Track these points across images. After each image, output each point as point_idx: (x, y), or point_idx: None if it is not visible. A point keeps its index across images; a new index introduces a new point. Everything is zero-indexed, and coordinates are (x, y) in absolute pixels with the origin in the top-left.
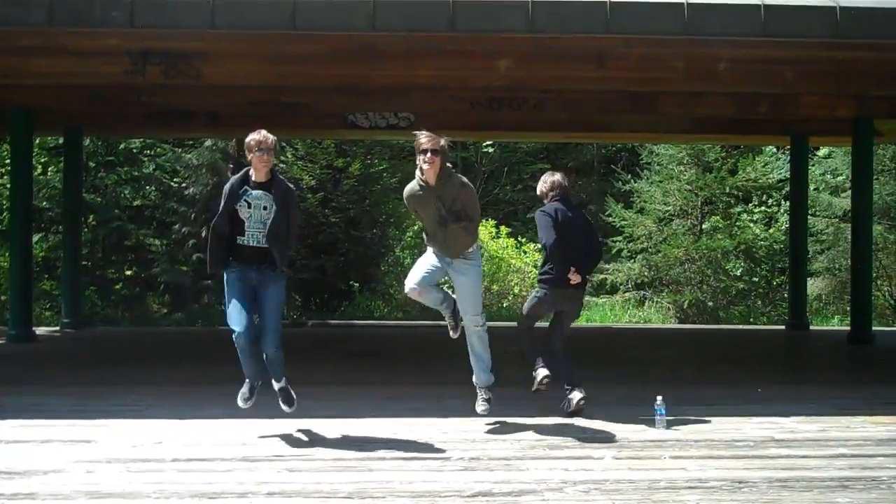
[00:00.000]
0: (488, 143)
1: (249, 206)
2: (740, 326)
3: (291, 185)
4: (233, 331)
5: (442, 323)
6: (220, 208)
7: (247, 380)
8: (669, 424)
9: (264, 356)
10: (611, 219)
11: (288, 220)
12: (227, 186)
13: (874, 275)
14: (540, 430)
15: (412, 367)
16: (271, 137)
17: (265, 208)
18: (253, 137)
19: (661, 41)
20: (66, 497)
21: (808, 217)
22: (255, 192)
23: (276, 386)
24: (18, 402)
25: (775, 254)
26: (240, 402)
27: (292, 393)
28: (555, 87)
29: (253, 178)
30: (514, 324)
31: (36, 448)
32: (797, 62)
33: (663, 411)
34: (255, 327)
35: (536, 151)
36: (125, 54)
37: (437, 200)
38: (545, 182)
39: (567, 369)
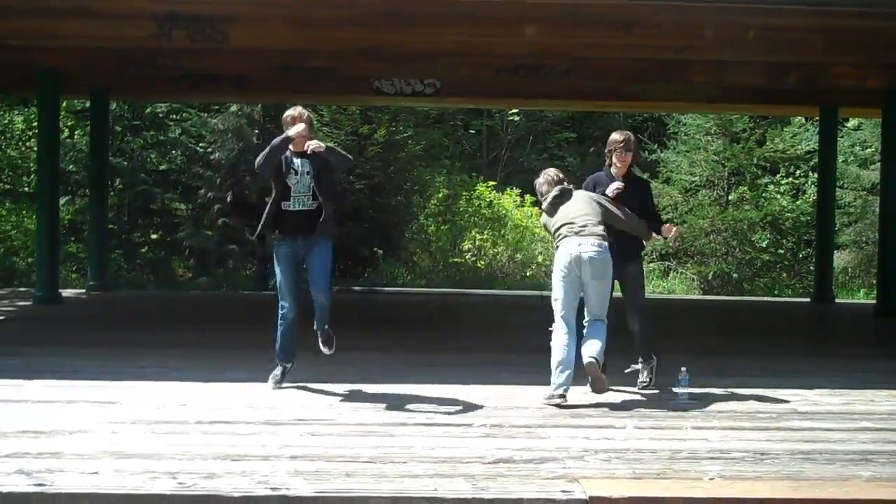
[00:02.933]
0: (514, 110)
1: (296, 174)
2: (765, 298)
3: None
4: (283, 306)
5: (464, 291)
6: (268, 171)
7: (279, 363)
8: (692, 396)
9: (316, 303)
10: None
11: (331, 183)
12: (273, 149)
13: None
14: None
15: (434, 335)
16: (306, 112)
17: (308, 173)
18: (289, 114)
19: (691, 8)
20: (90, 457)
21: (836, 189)
22: (297, 161)
23: (318, 328)
24: (45, 363)
25: (802, 226)
26: (270, 384)
27: (334, 337)
28: (582, 54)
29: (292, 148)
30: (536, 292)
31: (62, 408)
32: (828, 31)
33: (687, 381)
34: (299, 304)
35: (562, 120)
36: (151, 18)
37: None
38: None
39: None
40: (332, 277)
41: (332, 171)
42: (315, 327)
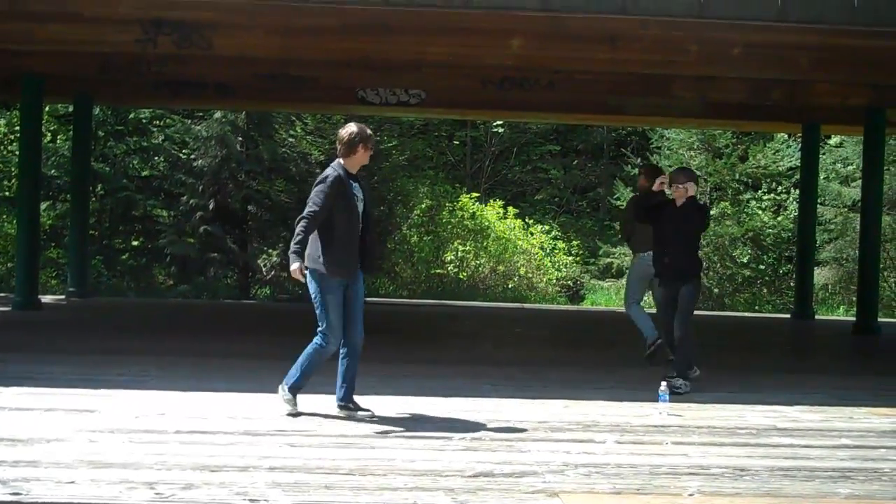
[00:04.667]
0: (498, 122)
1: (359, 200)
2: (745, 314)
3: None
4: (328, 340)
5: (447, 302)
6: (324, 201)
7: (298, 387)
8: (672, 411)
9: (352, 344)
10: (619, 202)
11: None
12: (334, 178)
13: (881, 266)
14: (542, 411)
15: (416, 346)
16: (368, 131)
17: (361, 200)
18: (365, 130)
19: (676, 23)
20: (67, 466)
21: (817, 206)
22: (355, 185)
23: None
24: (22, 370)
25: (783, 242)
26: (288, 407)
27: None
28: (567, 67)
29: (350, 171)
30: (518, 304)
31: (39, 416)
32: (812, 49)
33: (666, 397)
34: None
35: (547, 132)
36: (137, 23)
37: None
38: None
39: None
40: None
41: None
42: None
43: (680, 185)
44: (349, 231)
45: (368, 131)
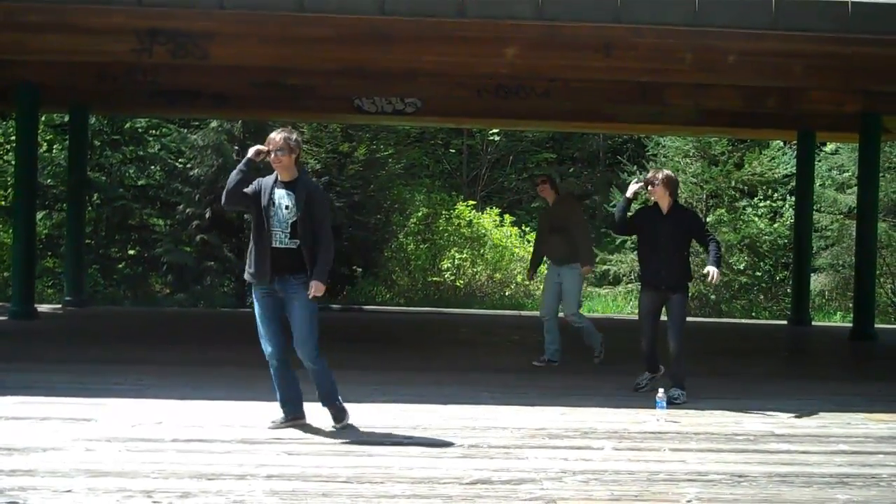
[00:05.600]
0: (494, 130)
1: (274, 205)
2: (742, 320)
3: (318, 184)
4: (265, 351)
5: (444, 310)
6: (230, 193)
7: (282, 401)
8: (670, 417)
9: (286, 355)
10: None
11: (312, 221)
12: (255, 182)
13: (877, 272)
14: (540, 419)
15: (413, 354)
16: (279, 135)
17: (287, 207)
18: (273, 139)
19: (671, 32)
20: (64, 475)
21: (813, 213)
22: (279, 191)
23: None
24: (19, 379)
25: (779, 248)
26: (268, 424)
27: (344, 413)
28: (562, 75)
29: (280, 177)
30: (515, 312)
31: (35, 425)
32: (806, 56)
33: (664, 405)
34: (285, 347)
35: (542, 140)
36: (132, 33)
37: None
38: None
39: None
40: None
41: (313, 208)
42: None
43: (656, 183)
44: (259, 237)
45: (283, 136)
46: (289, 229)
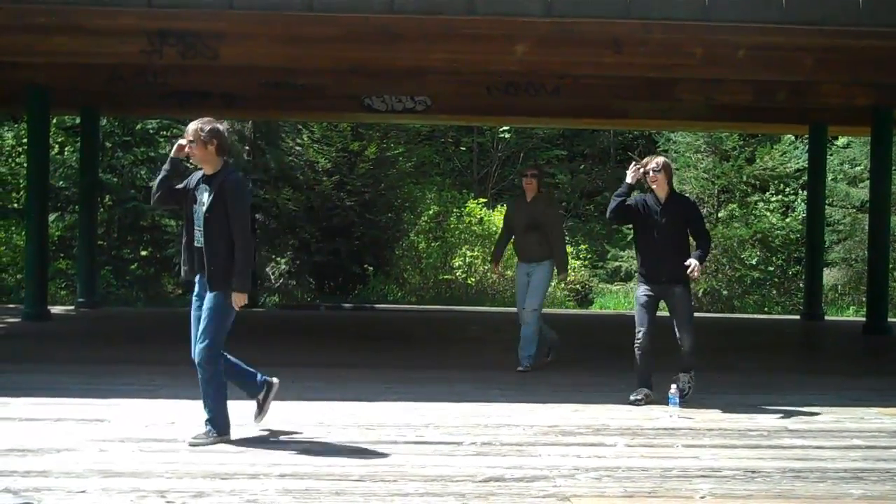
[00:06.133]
0: (504, 128)
1: (196, 201)
2: (755, 316)
3: (236, 177)
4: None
5: (455, 308)
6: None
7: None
8: (683, 413)
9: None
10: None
11: (227, 216)
12: (192, 176)
13: (891, 266)
14: (552, 416)
15: (425, 352)
16: (193, 126)
17: (203, 203)
18: (194, 125)
19: (681, 27)
20: (78, 476)
21: (826, 207)
22: (201, 186)
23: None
24: (32, 380)
25: (791, 243)
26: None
27: (210, 433)
28: (571, 72)
29: (205, 171)
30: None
31: (49, 426)
32: (817, 50)
33: (676, 400)
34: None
35: (553, 137)
36: (142, 34)
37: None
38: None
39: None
40: (317, 293)
41: (225, 201)
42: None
43: (657, 170)
44: (185, 235)
45: (196, 126)
46: (202, 227)
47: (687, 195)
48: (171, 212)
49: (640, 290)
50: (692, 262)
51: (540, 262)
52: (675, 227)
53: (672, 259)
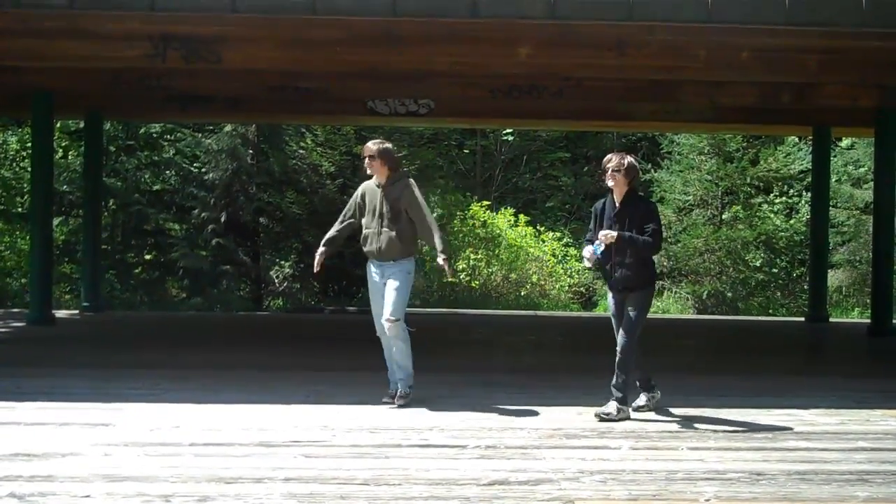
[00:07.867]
0: (508, 130)
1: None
2: (759, 318)
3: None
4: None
5: (460, 311)
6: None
7: None
8: (687, 416)
9: None
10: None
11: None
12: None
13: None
14: (557, 419)
15: (428, 355)
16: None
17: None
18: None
19: (684, 29)
20: (83, 480)
21: (830, 208)
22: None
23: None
24: (37, 385)
25: (796, 245)
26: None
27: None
28: (575, 74)
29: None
30: (531, 312)
31: (54, 430)
32: (821, 51)
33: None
34: None
35: (556, 140)
36: (145, 38)
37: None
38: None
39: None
40: (321, 296)
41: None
42: None
43: (612, 169)
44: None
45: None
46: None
47: (649, 199)
48: (175, 216)
49: (608, 300)
50: (610, 232)
51: (397, 262)
52: (628, 230)
53: (625, 267)
